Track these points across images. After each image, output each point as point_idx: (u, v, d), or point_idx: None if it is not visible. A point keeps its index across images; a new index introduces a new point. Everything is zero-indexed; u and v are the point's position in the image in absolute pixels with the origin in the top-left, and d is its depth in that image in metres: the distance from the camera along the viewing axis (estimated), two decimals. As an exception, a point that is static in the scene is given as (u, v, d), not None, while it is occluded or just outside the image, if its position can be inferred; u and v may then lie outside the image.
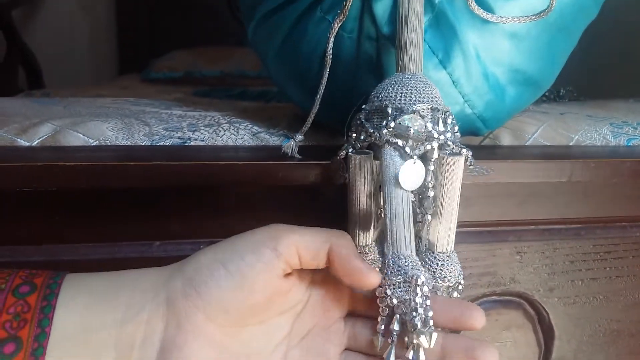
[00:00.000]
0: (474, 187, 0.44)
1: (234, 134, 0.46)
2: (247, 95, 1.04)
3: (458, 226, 0.46)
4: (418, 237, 0.36)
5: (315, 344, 0.32)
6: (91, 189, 0.37)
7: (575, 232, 0.48)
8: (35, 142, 0.43)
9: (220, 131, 0.46)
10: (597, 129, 0.54)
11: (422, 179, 0.32)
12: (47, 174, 0.36)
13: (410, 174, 0.31)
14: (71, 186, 0.36)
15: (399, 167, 0.32)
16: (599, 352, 0.51)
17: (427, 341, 0.28)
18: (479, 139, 0.49)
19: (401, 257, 0.30)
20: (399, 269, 0.29)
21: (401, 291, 0.29)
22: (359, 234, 0.36)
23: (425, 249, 0.36)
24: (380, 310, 0.31)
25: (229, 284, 0.28)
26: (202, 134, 0.46)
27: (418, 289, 0.28)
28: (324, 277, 0.33)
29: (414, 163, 0.31)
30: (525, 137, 0.51)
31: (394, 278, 0.29)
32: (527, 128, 0.52)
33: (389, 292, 0.29)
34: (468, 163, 0.35)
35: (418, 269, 0.29)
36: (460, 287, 0.36)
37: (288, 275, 0.30)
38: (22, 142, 0.43)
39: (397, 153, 0.32)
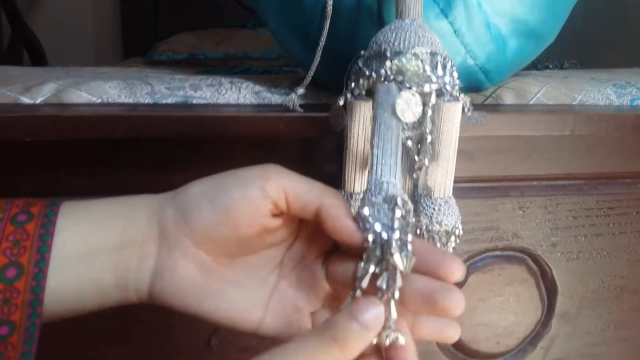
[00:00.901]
0: (477, 141, 0.44)
1: (235, 92, 0.47)
2: (251, 71, 1.05)
3: (461, 181, 0.46)
4: (415, 186, 0.36)
5: (305, 274, 0.32)
6: (95, 140, 0.38)
7: (578, 188, 0.48)
8: (39, 100, 0.43)
9: (222, 90, 0.46)
10: (600, 90, 0.54)
11: (418, 114, 0.31)
12: (51, 124, 0.36)
13: (407, 103, 0.31)
14: (75, 137, 0.36)
15: (396, 96, 0.31)
16: (602, 307, 0.51)
17: (402, 263, 0.26)
18: (482, 99, 0.49)
19: (384, 182, 0.29)
20: (380, 191, 0.28)
21: (379, 212, 0.28)
22: (354, 180, 0.36)
23: (423, 196, 0.36)
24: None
25: (214, 218, 0.28)
26: (204, 92, 0.46)
27: (397, 210, 0.27)
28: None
29: (412, 95, 0.31)
30: (528, 97, 0.51)
31: (373, 198, 0.28)
32: (530, 88, 0.52)
33: (366, 212, 0.28)
34: (466, 110, 0.35)
35: (399, 193, 0.28)
36: (458, 232, 0.36)
37: (276, 215, 0.30)
38: (26, 100, 0.43)
39: (395, 87, 0.32)
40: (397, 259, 0.26)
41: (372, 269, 0.27)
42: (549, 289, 0.50)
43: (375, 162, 0.29)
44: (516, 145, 0.45)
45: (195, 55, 1.55)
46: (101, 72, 0.60)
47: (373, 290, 0.27)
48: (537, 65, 0.88)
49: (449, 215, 0.35)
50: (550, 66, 0.91)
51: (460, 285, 0.34)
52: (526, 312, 0.50)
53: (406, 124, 0.33)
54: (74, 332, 0.43)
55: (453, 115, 0.33)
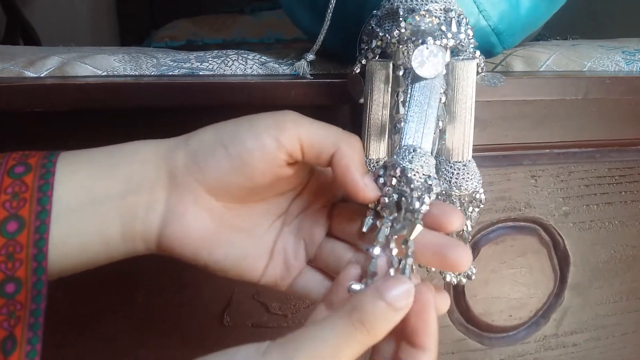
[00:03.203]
0: (489, 107, 0.44)
1: (242, 64, 0.46)
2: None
3: (472, 150, 0.45)
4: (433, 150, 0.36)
5: (305, 224, 0.31)
6: (101, 111, 0.37)
7: (590, 155, 0.48)
8: (44, 74, 0.42)
9: (228, 61, 0.46)
10: (609, 57, 0.53)
11: (441, 64, 0.30)
12: (57, 94, 0.35)
13: (424, 58, 0.30)
14: (81, 106, 0.36)
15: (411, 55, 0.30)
16: (615, 277, 0.51)
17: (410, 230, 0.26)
18: (491, 66, 0.49)
19: (413, 147, 0.28)
20: (407, 155, 0.28)
21: (401, 176, 0.27)
22: (370, 147, 0.36)
23: (441, 160, 0.35)
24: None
25: (228, 166, 0.28)
26: (210, 64, 0.45)
27: (418, 175, 0.27)
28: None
29: (427, 47, 0.30)
30: (538, 65, 0.50)
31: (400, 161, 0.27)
32: (539, 56, 0.51)
33: (382, 172, 0.27)
34: (479, 70, 0.34)
35: (431, 168, 0.28)
36: (480, 197, 0.36)
37: (291, 163, 0.29)
38: (30, 74, 0.42)
39: (412, 48, 0.31)
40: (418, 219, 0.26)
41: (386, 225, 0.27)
42: (561, 260, 0.50)
43: (404, 126, 0.29)
44: (528, 111, 0.45)
45: (193, 42, 1.53)
46: (104, 49, 0.59)
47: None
48: (539, 39, 0.88)
49: (468, 179, 0.35)
50: (554, 39, 0.91)
51: (472, 256, 0.33)
52: (539, 283, 0.50)
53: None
54: (82, 311, 0.42)
55: (468, 74, 0.33)
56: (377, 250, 0.27)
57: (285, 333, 0.27)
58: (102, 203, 0.27)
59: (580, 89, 0.42)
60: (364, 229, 0.28)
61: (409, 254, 0.26)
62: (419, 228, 0.26)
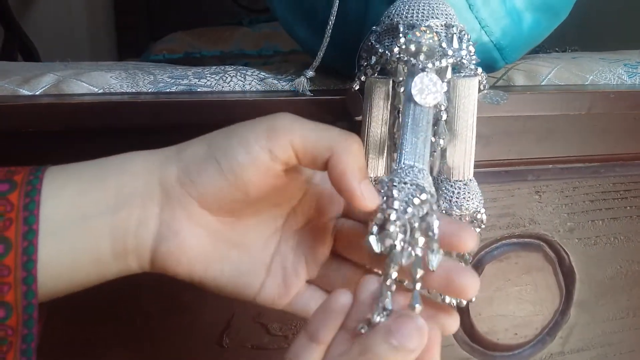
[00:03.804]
0: (492, 123, 0.43)
1: (241, 80, 0.45)
2: (250, 66, 1.03)
3: (475, 166, 0.45)
4: (432, 170, 0.35)
5: (306, 240, 0.30)
6: (98, 130, 0.36)
7: (594, 171, 0.47)
8: (39, 92, 0.41)
9: (227, 77, 0.45)
10: (611, 70, 0.53)
11: (440, 94, 0.30)
12: (52, 113, 0.35)
13: (423, 86, 0.29)
14: (77, 126, 0.35)
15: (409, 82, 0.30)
16: (621, 294, 0.50)
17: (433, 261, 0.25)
18: (492, 81, 0.48)
19: (412, 166, 0.27)
20: (407, 176, 0.26)
21: (409, 198, 0.25)
22: (369, 164, 0.35)
23: (441, 179, 0.35)
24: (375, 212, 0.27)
25: (222, 181, 0.26)
26: (208, 80, 0.45)
27: (426, 205, 0.25)
28: (322, 173, 0.31)
29: (427, 76, 0.30)
30: (540, 79, 0.50)
31: (404, 181, 0.26)
32: (540, 70, 0.51)
33: (395, 193, 0.26)
34: (481, 87, 0.34)
35: (426, 181, 0.26)
36: (481, 217, 0.35)
37: (286, 170, 0.27)
38: (25, 92, 0.41)
39: (411, 71, 0.31)
40: (433, 259, 0.25)
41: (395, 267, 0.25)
42: (566, 277, 0.49)
43: (402, 145, 0.28)
44: (531, 126, 0.44)
45: (191, 54, 1.53)
46: (101, 65, 0.58)
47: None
48: (538, 51, 0.87)
49: (469, 199, 0.34)
50: (551, 51, 0.90)
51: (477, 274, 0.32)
52: (544, 301, 0.49)
53: None
54: (78, 335, 0.41)
55: (470, 91, 0.32)
56: (390, 285, 0.25)
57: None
58: (91, 219, 0.26)
59: (584, 104, 0.42)
60: (376, 249, 0.26)
61: (418, 279, 0.25)
62: (439, 256, 0.25)
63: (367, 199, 0.25)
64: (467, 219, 0.35)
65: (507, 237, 0.46)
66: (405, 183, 0.26)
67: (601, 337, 0.51)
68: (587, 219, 0.47)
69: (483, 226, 0.35)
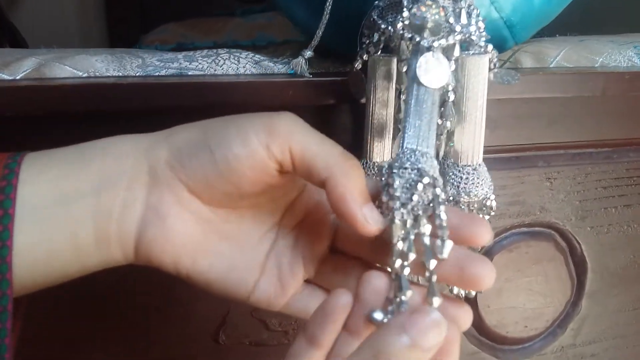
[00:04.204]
0: (500, 106, 0.41)
1: (234, 63, 0.43)
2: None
3: (483, 152, 0.42)
4: (438, 153, 0.33)
5: (303, 236, 0.28)
6: (82, 114, 0.34)
7: (607, 156, 0.45)
8: (19, 76, 0.39)
9: (219, 60, 0.42)
10: (621, 52, 0.50)
11: (447, 75, 0.27)
12: (33, 96, 0.32)
13: (429, 66, 0.27)
14: (59, 110, 0.32)
15: (414, 62, 0.27)
16: (634, 284, 0.48)
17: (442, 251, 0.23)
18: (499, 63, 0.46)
19: (415, 150, 0.24)
20: (409, 160, 0.24)
21: (407, 186, 0.24)
22: (373, 148, 0.33)
23: (448, 164, 0.32)
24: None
25: (213, 170, 0.25)
26: (199, 64, 0.42)
27: (430, 190, 0.24)
28: None
29: (433, 56, 0.27)
30: (548, 61, 0.48)
31: (402, 170, 0.24)
32: (548, 52, 0.49)
33: (395, 180, 0.24)
34: (492, 65, 0.31)
35: (431, 165, 0.24)
36: (490, 204, 0.33)
37: (283, 172, 0.26)
38: (4, 77, 0.39)
39: (416, 49, 0.28)
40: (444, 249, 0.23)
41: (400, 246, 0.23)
42: (578, 267, 0.47)
43: (405, 128, 0.25)
44: (541, 110, 0.42)
45: (184, 45, 1.50)
46: (86, 50, 0.55)
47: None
48: (539, 36, 0.85)
49: (478, 185, 0.32)
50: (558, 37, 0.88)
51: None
52: (555, 292, 0.47)
53: None
54: (63, 331, 0.39)
55: (480, 70, 0.30)
56: (399, 271, 0.23)
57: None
58: (72, 202, 0.24)
59: (597, 85, 0.40)
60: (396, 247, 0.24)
61: (433, 270, 0.23)
62: (450, 244, 0.23)
63: (371, 223, 0.24)
64: (475, 206, 0.33)
65: (517, 226, 0.44)
66: (405, 168, 0.24)
67: (614, 328, 0.49)
68: (600, 206, 0.45)
69: (492, 214, 0.33)
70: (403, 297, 0.22)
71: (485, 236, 0.23)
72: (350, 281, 0.26)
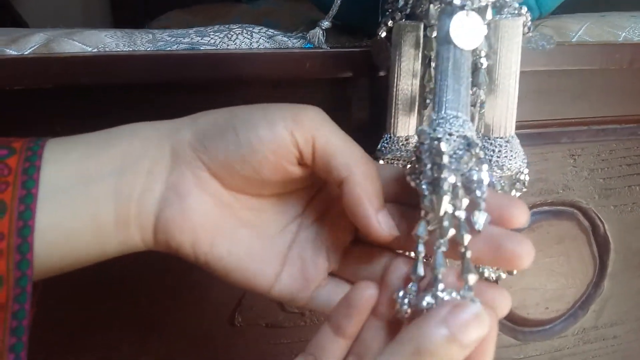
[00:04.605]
0: (522, 79, 0.39)
1: (247, 37, 0.41)
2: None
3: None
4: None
5: (326, 228, 0.27)
6: (92, 87, 0.32)
7: (632, 132, 0.43)
8: (27, 52, 0.38)
9: (232, 35, 0.41)
10: (645, 27, 0.49)
11: (481, 37, 0.26)
12: (42, 69, 0.31)
13: (463, 26, 0.25)
14: (69, 82, 0.31)
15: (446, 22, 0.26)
16: (659, 265, 0.47)
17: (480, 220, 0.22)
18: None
19: (451, 116, 0.23)
20: (445, 126, 0.23)
21: (458, 153, 0.22)
22: (398, 122, 0.31)
23: (479, 135, 0.31)
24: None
25: (236, 152, 0.24)
26: (211, 38, 0.41)
27: (473, 150, 0.22)
28: None
29: (467, 15, 0.26)
30: (570, 35, 0.46)
31: (451, 135, 0.22)
32: (570, 26, 0.47)
33: (443, 147, 0.22)
34: (525, 29, 0.30)
35: (471, 130, 0.23)
36: (523, 178, 0.31)
37: (302, 164, 0.25)
38: (12, 52, 0.38)
39: (447, 11, 0.27)
40: (480, 217, 0.22)
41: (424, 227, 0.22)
42: (601, 246, 0.45)
43: (443, 93, 0.24)
44: (566, 84, 0.41)
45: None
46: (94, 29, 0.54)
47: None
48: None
49: (511, 158, 0.30)
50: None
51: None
52: (577, 272, 0.45)
53: None
54: (77, 316, 0.38)
55: (514, 33, 0.28)
56: (421, 248, 0.23)
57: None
58: (94, 182, 0.24)
59: (625, 58, 0.38)
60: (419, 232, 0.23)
61: (467, 245, 0.21)
62: (485, 216, 0.21)
63: (385, 230, 0.24)
64: (506, 181, 0.31)
65: (539, 205, 0.43)
66: (451, 135, 0.22)
67: (636, 310, 0.48)
68: (624, 184, 0.44)
69: (525, 189, 0.31)
70: (439, 275, 0.21)
71: (522, 218, 0.22)
72: (375, 272, 0.26)
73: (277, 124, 0.24)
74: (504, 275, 0.32)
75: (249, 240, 0.26)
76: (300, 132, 0.24)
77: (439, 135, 0.22)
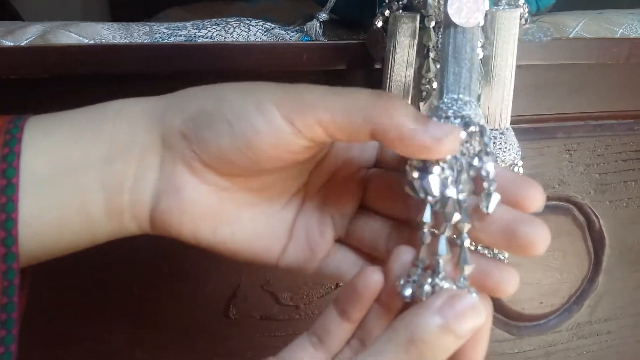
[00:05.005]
0: (520, 73, 0.39)
1: (244, 30, 0.41)
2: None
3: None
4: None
5: (332, 195, 0.26)
6: (87, 76, 0.32)
7: (628, 127, 0.43)
8: (24, 43, 0.38)
9: (229, 28, 0.41)
10: (642, 23, 0.49)
11: (482, 12, 0.25)
12: (38, 57, 0.31)
13: (462, 4, 0.25)
14: (64, 72, 0.31)
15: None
16: (654, 260, 0.47)
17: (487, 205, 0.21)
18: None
19: (457, 99, 0.22)
20: (451, 109, 0.22)
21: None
22: None
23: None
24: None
25: (231, 145, 0.22)
26: (209, 31, 0.41)
27: (476, 140, 0.22)
28: None
29: None
30: (567, 31, 0.46)
31: (448, 117, 0.22)
32: (567, 22, 0.47)
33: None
34: (522, 21, 0.30)
35: (476, 113, 0.22)
36: (518, 170, 0.32)
37: (314, 146, 0.23)
38: (8, 43, 0.37)
39: None
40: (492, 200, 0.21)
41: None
42: (596, 242, 0.46)
43: (444, 77, 0.23)
44: (563, 78, 0.41)
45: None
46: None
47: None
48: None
49: (506, 150, 0.30)
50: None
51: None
52: (572, 268, 0.45)
53: None
54: (67, 306, 0.38)
55: (510, 25, 0.28)
56: (426, 238, 0.22)
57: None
58: (80, 171, 0.22)
59: (622, 52, 0.38)
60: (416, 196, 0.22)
61: (465, 235, 0.21)
62: (497, 198, 0.21)
63: (446, 140, 0.21)
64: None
65: (534, 200, 0.43)
66: (447, 117, 0.22)
67: (631, 306, 0.48)
68: (620, 179, 0.44)
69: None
70: (440, 262, 0.21)
71: (538, 200, 0.21)
72: (381, 239, 0.25)
73: (274, 116, 0.22)
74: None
75: (253, 220, 0.26)
76: (300, 119, 0.22)
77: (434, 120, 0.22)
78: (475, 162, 0.22)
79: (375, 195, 0.26)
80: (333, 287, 0.41)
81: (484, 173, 0.21)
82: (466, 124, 0.22)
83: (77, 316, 0.38)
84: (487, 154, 0.22)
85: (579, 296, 0.47)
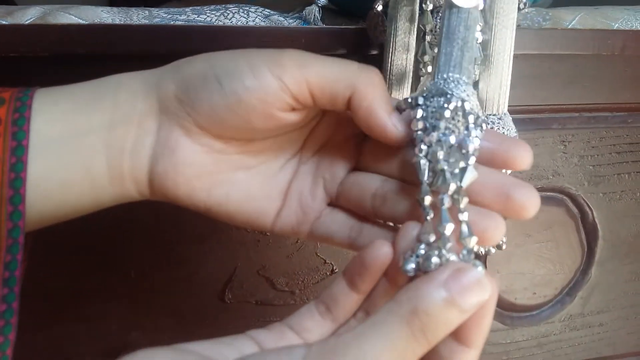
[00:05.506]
0: (515, 63, 0.39)
1: (244, 16, 0.41)
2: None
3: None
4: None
5: (325, 159, 0.27)
6: (86, 56, 0.33)
7: (622, 120, 0.44)
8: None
9: (228, 14, 0.41)
10: (637, 18, 0.49)
11: None
12: (38, 36, 0.31)
13: None
14: (64, 51, 0.31)
15: None
16: (646, 253, 0.47)
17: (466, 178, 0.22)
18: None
19: (448, 79, 0.23)
20: (439, 89, 0.23)
21: (439, 111, 0.22)
22: (392, 96, 0.32)
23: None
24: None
25: (222, 104, 0.24)
26: (208, 16, 0.41)
27: (470, 117, 0.22)
28: None
29: None
30: (564, 24, 0.47)
31: (433, 97, 0.23)
32: (564, 16, 0.48)
33: (419, 112, 0.22)
34: (521, 5, 0.30)
35: (466, 91, 0.23)
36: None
37: (297, 109, 0.24)
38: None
39: None
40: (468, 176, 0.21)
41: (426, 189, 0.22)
42: (589, 234, 0.46)
43: (437, 59, 0.24)
44: (558, 69, 0.41)
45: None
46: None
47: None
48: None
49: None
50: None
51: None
52: (565, 259, 0.46)
53: None
54: (64, 287, 0.38)
55: (509, 9, 0.29)
56: (429, 213, 0.22)
57: (292, 311, 0.24)
58: (85, 135, 0.24)
59: (617, 44, 0.39)
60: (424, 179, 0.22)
61: (462, 208, 0.21)
62: (473, 174, 0.22)
63: (400, 130, 0.23)
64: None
65: (528, 190, 0.43)
66: (432, 96, 0.22)
67: (623, 298, 0.48)
68: (613, 172, 0.45)
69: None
70: (446, 231, 0.21)
71: (525, 158, 0.22)
72: (366, 194, 0.25)
73: (264, 73, 0.23)
74: (493, 250, 0.32)
75: (248, 183, 0.26)
76: (288, 75, 0.23)
77: (419, 102, 0.22)
78: (461, 136, 0.22)
79: (370, 157, 0.26)
80: (328, 273, 0.42)
81: (465, 146, 0.22)
82: (448, 100, 0.22)
83: (76, 297, 0.38)
84: (467, 128, 0.22)
85: (571, 287, 0.47)
